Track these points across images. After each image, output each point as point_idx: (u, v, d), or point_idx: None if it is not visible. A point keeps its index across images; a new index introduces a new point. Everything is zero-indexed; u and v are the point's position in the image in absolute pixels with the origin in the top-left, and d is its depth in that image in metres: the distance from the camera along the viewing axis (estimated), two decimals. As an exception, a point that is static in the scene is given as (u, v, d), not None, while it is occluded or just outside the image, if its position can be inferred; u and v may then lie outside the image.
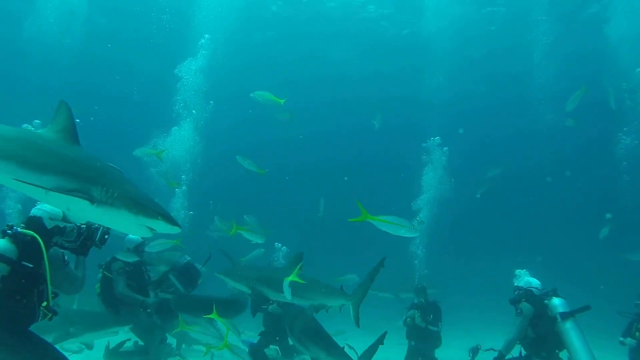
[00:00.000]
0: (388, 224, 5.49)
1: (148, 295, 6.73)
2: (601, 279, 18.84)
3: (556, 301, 6.19)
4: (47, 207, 4.20)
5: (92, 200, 3.22)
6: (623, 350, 7.99)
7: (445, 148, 18.46)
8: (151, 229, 3.41)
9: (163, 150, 10.84)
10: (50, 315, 3.97)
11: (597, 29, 21.35)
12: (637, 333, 7.67)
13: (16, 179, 3.22)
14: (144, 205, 3.32)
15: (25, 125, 11.77)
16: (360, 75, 27.61)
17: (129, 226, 3.46)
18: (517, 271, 7.72)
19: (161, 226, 3.38)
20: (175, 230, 3.46)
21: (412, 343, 9.11)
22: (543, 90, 23.06)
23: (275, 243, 13.54)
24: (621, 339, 7.84)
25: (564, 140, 24.20)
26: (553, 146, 25.34)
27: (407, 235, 5.69)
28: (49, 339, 6.13)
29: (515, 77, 25.66)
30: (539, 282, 6.58)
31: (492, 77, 26.58)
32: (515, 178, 26.40)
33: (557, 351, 6.15)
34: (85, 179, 3.28)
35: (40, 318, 3.98)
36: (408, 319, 8.93)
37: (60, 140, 3.59)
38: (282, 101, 9.97)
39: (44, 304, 3.92)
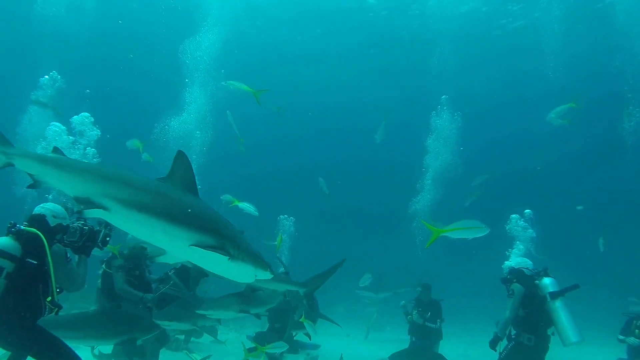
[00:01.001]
0: (461, 230, 5.75)
1: (150, 291, 6.79)
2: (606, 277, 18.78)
3: (546, 281, 6.25)
4: (51, 205, 4.29)
5: (229, 256, 3.46)
6: (621, 348, 8.05)
7: (458, 113, 18.53)
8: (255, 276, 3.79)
9: (144, 143, 12.70)
10: (55, 309, 4.08)
11: (606, 15, 21.14)
12: (637, 331, 7.73)
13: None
14: (261, 259, 3.71)
15: (33, 94, 12.10)
16: (364, 71, 27.57)
17: (245, 276, 3.79)
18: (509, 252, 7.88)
19: (266, 275, 3.78)
20: (269, 277, 3.85)
21: (413, 339, 9.38)
22: (551, 86, 22.93)
23: (280, 216, 13.81)
24: (621, 337, 7.88)
25: (570, 137, 24.08)
26: (560, 143, 25.20)
27: (481, 234, 5.85)
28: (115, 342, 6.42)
29: (524, 73, 25.58)
30: (530, 262, 6.63)
31: (499, 71, 26.44)
32: (518, 177, 26.38)
33: (545, 329, 6.22)
34: (220, 235, 3.53)
35: (46, 313, 4.08)
36: (408, 316, 9.16)
37: (186, 192, 3.76)
38: (253, 91, 10.09)
39: (49, 299, 4.01)
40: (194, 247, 3.39)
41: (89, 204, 3.33)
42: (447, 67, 23.05)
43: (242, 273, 3.72)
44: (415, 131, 20.39)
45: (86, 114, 9.78)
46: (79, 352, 4.24)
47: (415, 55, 25.42)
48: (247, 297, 6.70)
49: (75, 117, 9.54)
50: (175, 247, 3.61)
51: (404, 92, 27.26)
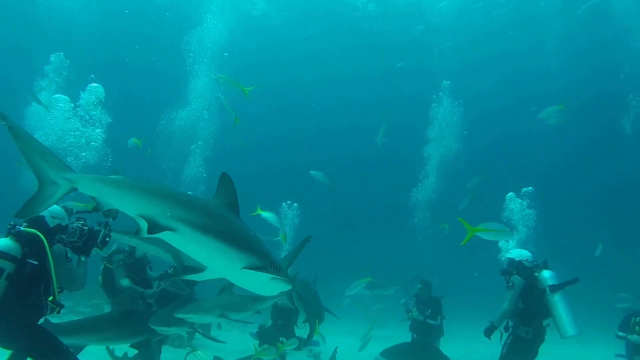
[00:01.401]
0: (489, 232, 6.54)
1: (150, 287, 6.81)
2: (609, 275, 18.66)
3: (546, 274, 6.24)
4: None
5: (271, 276, 3.68)
6: (617, 344, 8.03)
7: (460, 101, 18.50)
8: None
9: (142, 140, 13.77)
10: (57, 308, 4.16)
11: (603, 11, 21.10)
12: (638, 327, 7.70)
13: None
14: (287, 275, 4.00)
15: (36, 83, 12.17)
16: (364, 72, 27.62)
17: (274, 291, 4.02)
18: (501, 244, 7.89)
19: (288, 288, 4.02)
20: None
21: (414, 335, 9.46)
22: (550, 83, 22.91)
23: (283, 203, 13.87)
24: (621, 334, 7.83)
25: (570, 133, 24.05)
26: (559, 139, 25.11)
27: (506, 238, 6.57)
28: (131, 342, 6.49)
29: (525, 74, 25.54)
30: (530, 254, 6.59)
31: (500, 73, 26.40)
32: (518, 173, 26.25)
33: (543, 321, 6.26)
34: (262, 255, 3.74)
35: (48, 312, 4.17)
36: (409, 314, 9.21)
37: (233, 213, 3.91)
38: (242, 87, 10.19)
39: (50, 298, 4.10)
40: (246, 269, 3.56)
41: (157, 225, 3.31)
42: (447, 59, 23.04)
43: (273, 289, 3.94)
44: (415, 122, 20.44)
45: (98, 85, 9.89)
46: (80, 355, 4.32)
47: (415, 49, 25.41)
48: (228, 300, 6.64)
49: (90, 85, 9.65)
50: (228, 268, 3.72)
51: (403, 85, 27.15)
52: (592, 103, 23.70)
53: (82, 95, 9.76)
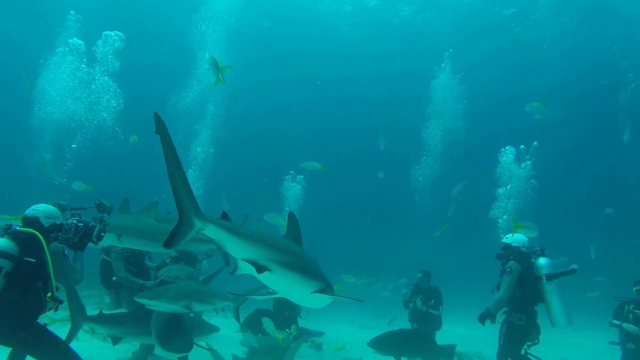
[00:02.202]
0: (527, 229, 7.19)
1: (149, 278, 6.84)
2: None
3: (542, 261, 6.25)
4: (43, 207, 4.45)
5: (329, 295, 4.28)
6: (613, 331, 8.09)
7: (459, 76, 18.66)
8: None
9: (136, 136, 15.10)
10: (56, 305, 4.26)
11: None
12: (631, 316, 7.74)
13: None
14: (332, 288, 4.42)
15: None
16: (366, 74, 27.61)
17: (324, 303, 4.50)
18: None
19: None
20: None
21: (415, 325, 9.49)
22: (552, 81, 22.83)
23: (286, 177, 13.88)
24: (616, 322, 7.90)
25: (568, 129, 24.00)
26: (558, 136, 25.03)
27: (533, 235, 7.01)
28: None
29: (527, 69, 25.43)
30: (526, 239, 6.60)
31: (501, 69, 26.26)
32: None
33: (535, 307, 6.31)
34: (323, 277, 4.33)
35: (47, 309, 4.25)
36: (411, 304, 9.26)
37: (300, 247, 4.49)
38: (221, 67, 10.43)
39: (49, 294, 4.19)
40: (316, 294, 4.19)
41: (259, 267, 3.84)
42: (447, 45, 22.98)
43: (325, 302, 4.46)
44: (414, 120, 20.35)
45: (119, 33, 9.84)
46: (80, 351, 4.42)
47: (415, 42, 25.38)
48: (194, 289, 6.46)
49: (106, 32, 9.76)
50: (301, 295, 4.38)
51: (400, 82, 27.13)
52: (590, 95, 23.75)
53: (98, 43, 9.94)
